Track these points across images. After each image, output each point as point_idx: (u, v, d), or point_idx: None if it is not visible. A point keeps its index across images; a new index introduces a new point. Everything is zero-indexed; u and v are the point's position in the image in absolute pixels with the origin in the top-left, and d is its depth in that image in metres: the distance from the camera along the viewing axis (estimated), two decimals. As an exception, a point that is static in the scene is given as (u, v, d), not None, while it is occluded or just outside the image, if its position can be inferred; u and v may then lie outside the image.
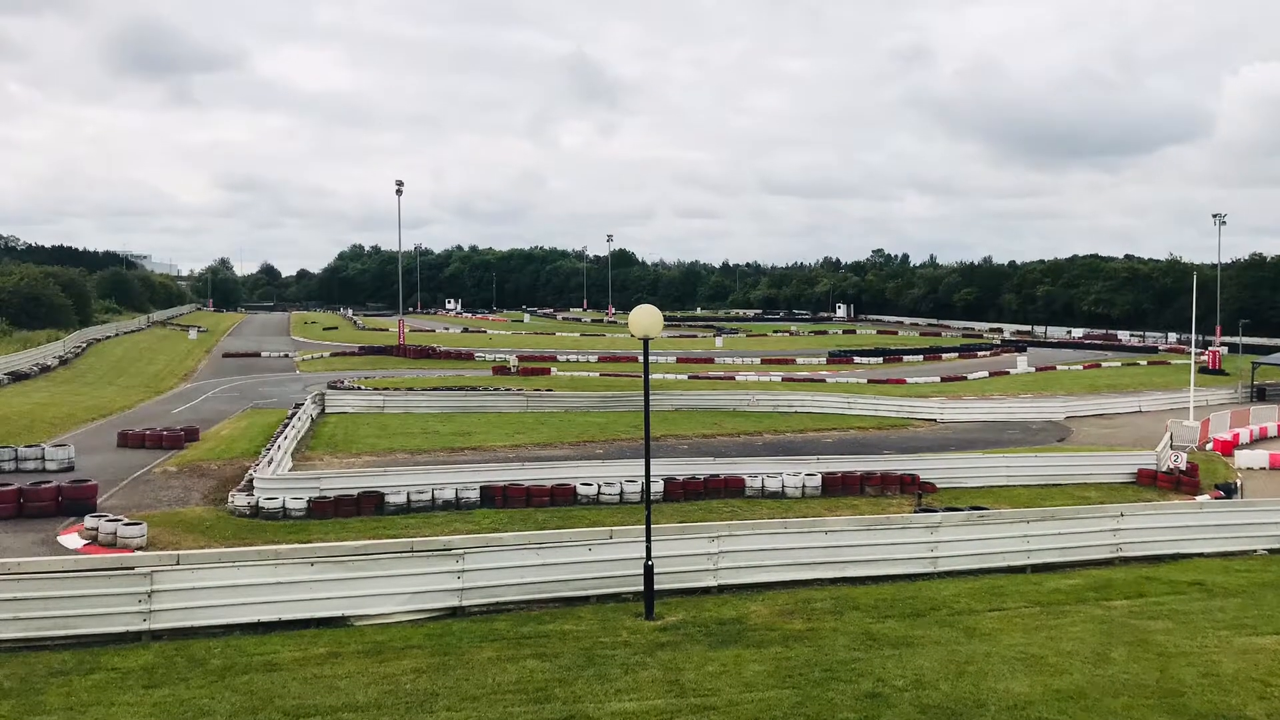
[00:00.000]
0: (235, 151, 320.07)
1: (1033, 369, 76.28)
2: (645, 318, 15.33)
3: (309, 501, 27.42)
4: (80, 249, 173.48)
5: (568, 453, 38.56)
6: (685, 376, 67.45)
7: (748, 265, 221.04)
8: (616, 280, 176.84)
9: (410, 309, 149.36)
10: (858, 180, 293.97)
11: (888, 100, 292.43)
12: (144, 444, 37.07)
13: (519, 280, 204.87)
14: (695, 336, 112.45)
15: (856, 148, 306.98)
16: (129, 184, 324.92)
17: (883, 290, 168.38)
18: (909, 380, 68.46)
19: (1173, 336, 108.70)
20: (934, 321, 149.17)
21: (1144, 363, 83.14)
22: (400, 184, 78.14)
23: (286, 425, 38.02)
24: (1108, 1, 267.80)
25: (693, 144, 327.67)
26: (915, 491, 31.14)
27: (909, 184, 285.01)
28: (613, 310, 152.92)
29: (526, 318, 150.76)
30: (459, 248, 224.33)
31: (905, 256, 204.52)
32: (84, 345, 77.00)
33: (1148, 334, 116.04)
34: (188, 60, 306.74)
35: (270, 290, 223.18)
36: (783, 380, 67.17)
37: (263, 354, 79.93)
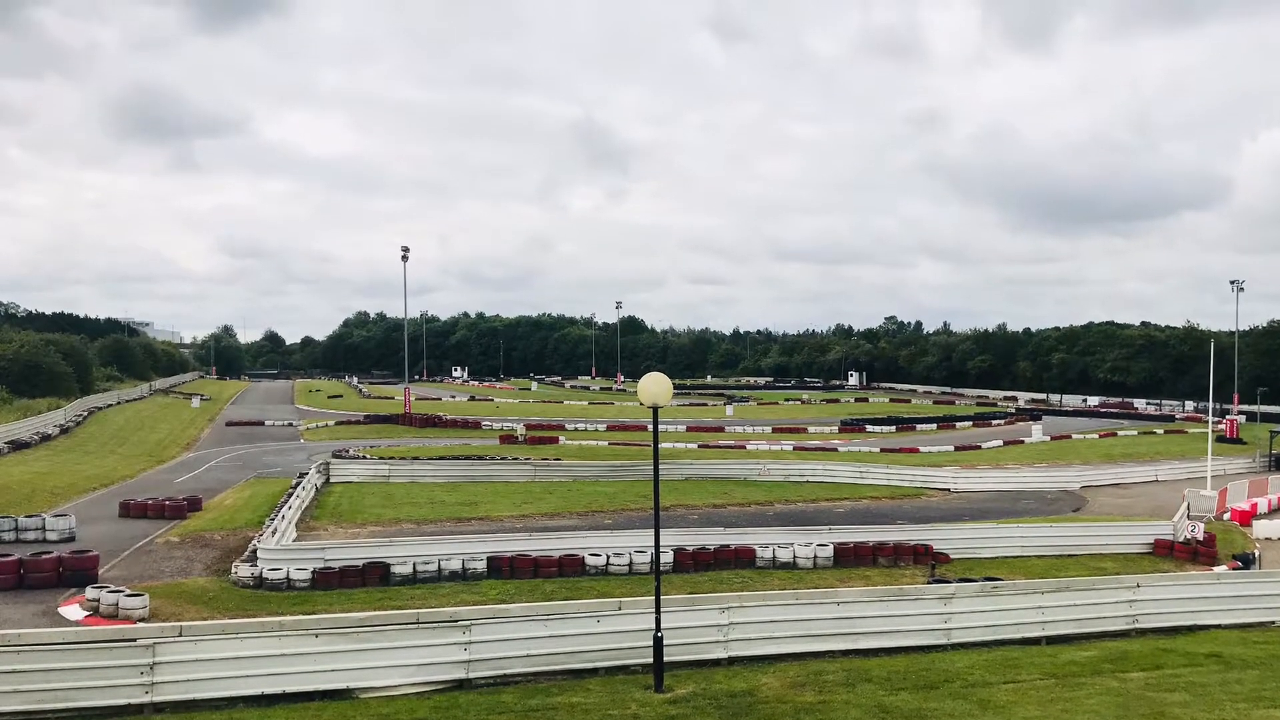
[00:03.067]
0: (238, 217, 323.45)
1: (1048, 438, 76.21)
2: (655, 386, 15.61)
3: (313, 572, 27.49)
4: (81, 316, 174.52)
5: (576, 523, 38.58)
6: (695, 445, 67.53)
7: (758, 332, 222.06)
8: (625, 348, 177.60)
9: (416, 377, 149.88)
10: (870, 246, 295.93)
11: (900, 165, 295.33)
12: (146, 514, 37.23)
13: (526, 347, 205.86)
14: (705, 405, 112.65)
15: (868, 213, 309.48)
16: (131, 250, 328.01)
17: (896, 358, 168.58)
18: (922, 449, 68.41)
19: (1190, 405, 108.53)
20: (948, 389, 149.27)
21: (1161, 431, 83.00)
22: (406, 250, 79.10)
23: (290, 495, 38.21)
24: (1124, 66, 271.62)
25: (703, 209, 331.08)
26: (929, 562, 31.09)
27: (922, 250, 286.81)
28: (621, 378, 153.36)
29: (534, 386, 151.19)
30: (465, 314, 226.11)
31: (919, 323, 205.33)
32: (85, 414, 77.47)
33: (1164, 402, 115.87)
34: (190, 124, 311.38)
35: (274, 358, 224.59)
36: (794, 449, 67.23)
37: (266, 422, 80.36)
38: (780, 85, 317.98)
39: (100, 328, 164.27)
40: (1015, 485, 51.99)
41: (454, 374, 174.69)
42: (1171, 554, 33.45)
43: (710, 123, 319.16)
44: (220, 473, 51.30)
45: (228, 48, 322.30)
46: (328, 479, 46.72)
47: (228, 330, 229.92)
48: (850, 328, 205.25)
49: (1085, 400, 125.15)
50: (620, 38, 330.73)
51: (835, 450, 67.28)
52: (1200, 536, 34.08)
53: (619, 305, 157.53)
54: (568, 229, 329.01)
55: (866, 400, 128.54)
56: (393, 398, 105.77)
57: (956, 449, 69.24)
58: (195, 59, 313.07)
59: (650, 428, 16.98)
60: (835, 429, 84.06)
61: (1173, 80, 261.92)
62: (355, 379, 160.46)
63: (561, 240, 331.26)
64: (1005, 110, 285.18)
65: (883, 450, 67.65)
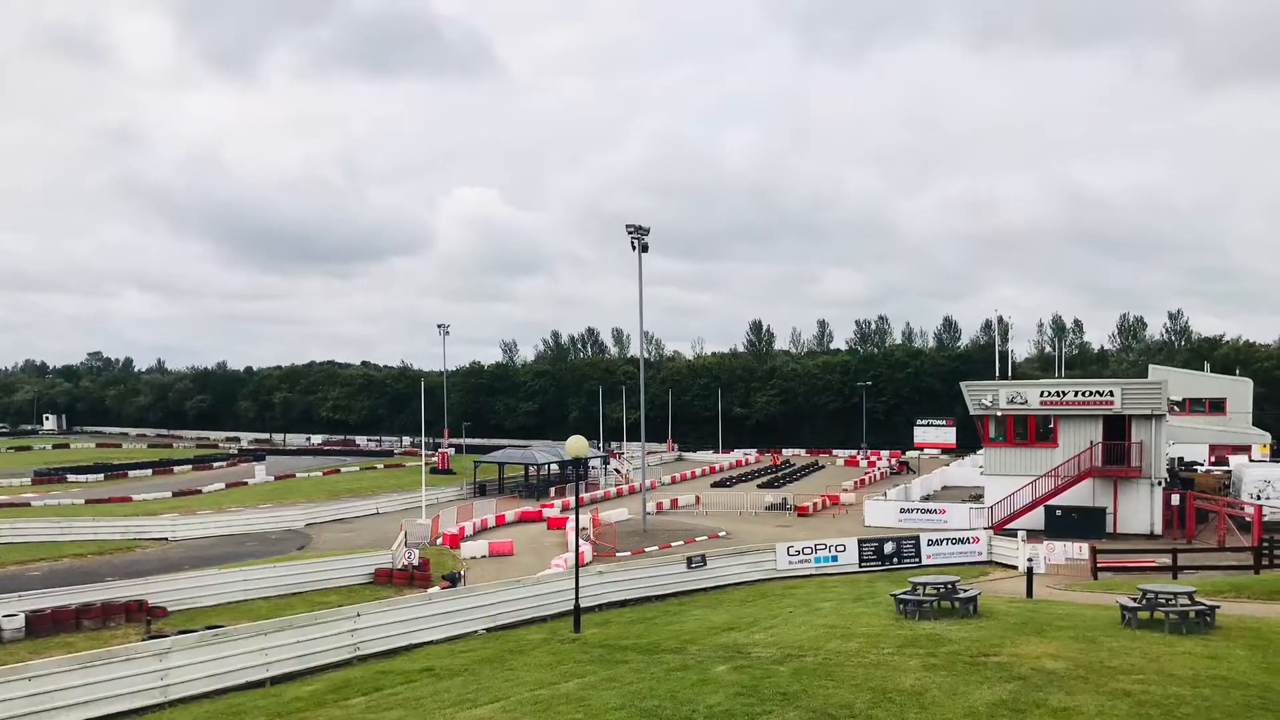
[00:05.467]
0: None
1: (272, 478, 77.63)
2: None
3: None
4: None
5: None
6: None
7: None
8: None
9: None
10: (63, 272, 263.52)
11: (94, 183, 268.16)
12: None
13: None
14: None
15: (59, 235, 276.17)
16: None
17: (103, 398, 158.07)
18: (136, 497, 65.01)
19: (407, 440, 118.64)
20: (164, 432, 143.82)
21: (381, 466, 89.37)
22: None
23: None
24: (331, 106, 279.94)
25: None
26: (144, 618, 29.49)
27: (127, 280, 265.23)
28: None
29: None
30: None
31: (128, 360, 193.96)
32: None
33: (384, 438, 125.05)
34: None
35: None
36: (-29, 507, 59.02)
37: None
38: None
39: None
40: (239, 528, 51.82)
41: None
42: (391, 581, 36.00)
43: None
44: None
45: None
46: None
47: None
48: (44, 364, 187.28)
49: (309, 438, 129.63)
50: None
51: (28, 505, 60.86)
52: (416, 562, 37.27)
53: None
54: None
55: (68, 446, 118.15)
56: None
57: (175, 495, 67.08)
58: None
59: None
60: (28, 481, 75.87)
61: (377, 128, 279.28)
62: None
63: None
64: (212, 137, 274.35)
65: (89, 501, 63.03)
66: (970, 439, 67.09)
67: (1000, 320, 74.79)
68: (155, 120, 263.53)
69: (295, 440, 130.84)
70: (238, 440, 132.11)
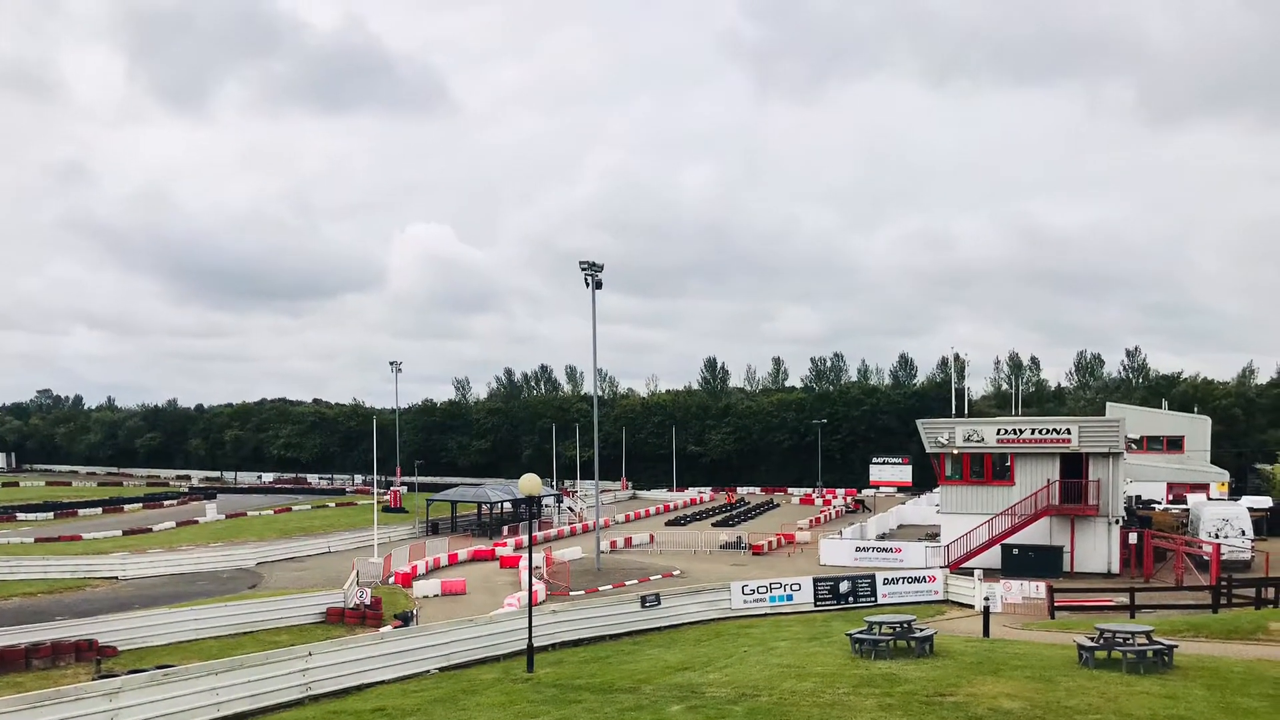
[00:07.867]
0: None
1: (223, 516, 76.85)
2: None
3: None
4: None
5: None
6: None
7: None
8: None
9: None
10: (12, 308, 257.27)
11: (43, 219, 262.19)
12: None
13: None
14: None
15: (10, 271, 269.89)
16: None
17: (52, 436, 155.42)
18: (86, 535, 64.18)
19: (359, 478, 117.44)
20: (115, 470, 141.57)
21: (333, 504, 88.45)
22: None
23: None
24: (284, 142, 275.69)
25: None
26: (94, 658, 28.89)
27: (76, 317, 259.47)
28: None
29: None
30: None
31: (78, 398, 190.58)
32: None
33: (336, 476, 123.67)
34: None
35: None
36: (-87, 546, 57.64)
37: None
38: None
39: None
40: (190, 567, 51.11)
41: None
42: (343, 620, 35.52)
43: None
44: None
45: None
46: None
47: None
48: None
49: (260, 477, 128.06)
50: None
51: (-25, 544, 59.65)
52: (368, 601, 36.83)
53: None
54: None
55: (17, 484, 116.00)
56: None
57: (125, 533, 66.25)
58: None
59: None
60: (-25, 519, 74.37)
61: (330, 163, 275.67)
62: None
63: None
64: (161, 173, 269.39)
65: (38, 540, 62.19)
66: (926, 477, 67.37)
67: (957, 358, 75.78)
68: (105, 156, 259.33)
69: (246, 478, 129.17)
70: (188, 478, 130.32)
